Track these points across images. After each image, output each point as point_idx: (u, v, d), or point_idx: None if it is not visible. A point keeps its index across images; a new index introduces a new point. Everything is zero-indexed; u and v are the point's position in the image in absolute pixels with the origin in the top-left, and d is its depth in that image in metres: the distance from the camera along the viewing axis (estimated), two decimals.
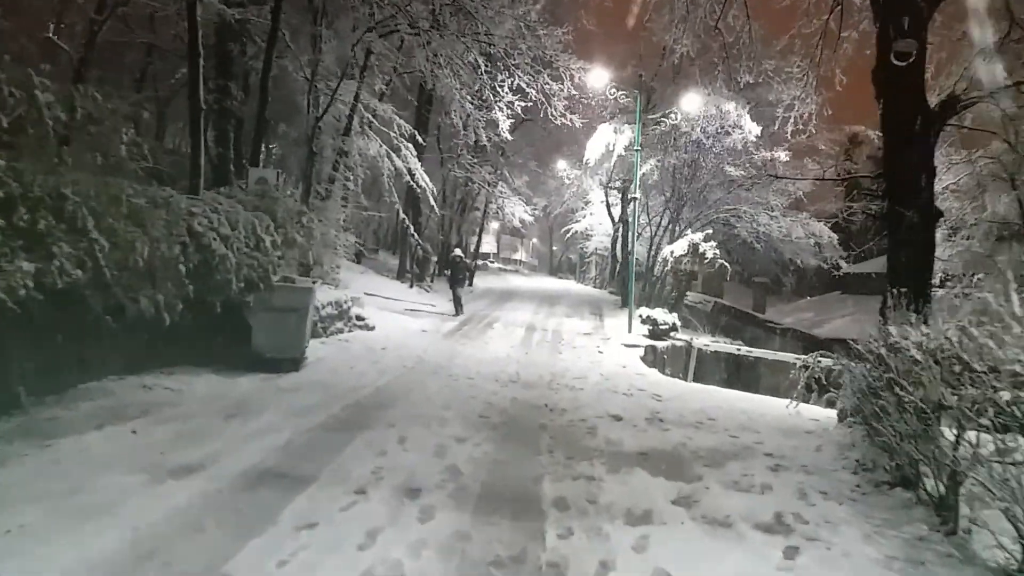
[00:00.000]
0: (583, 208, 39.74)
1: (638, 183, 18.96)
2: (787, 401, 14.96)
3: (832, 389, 11.93)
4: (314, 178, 16.16)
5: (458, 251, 19.42)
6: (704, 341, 20.62)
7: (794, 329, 32.64)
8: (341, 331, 15.24)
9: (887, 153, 9.02)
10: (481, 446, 7.23)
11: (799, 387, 12.47)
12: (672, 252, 19.56)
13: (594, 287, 40.17)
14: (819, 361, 12.58)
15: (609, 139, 20.90)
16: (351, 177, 17.49)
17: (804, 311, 42.57)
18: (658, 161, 21.72)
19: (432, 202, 19.55)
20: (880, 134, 9.69)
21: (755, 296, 33.35)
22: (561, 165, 37.78)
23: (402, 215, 19.26)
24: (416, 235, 24.41)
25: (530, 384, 11.64)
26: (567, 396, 10.73)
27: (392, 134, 18.57)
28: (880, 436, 7.85)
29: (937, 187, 13.56)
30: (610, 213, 35.49)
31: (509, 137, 19.48)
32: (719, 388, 15.68)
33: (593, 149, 21.00)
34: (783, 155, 21.83)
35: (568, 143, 32.56)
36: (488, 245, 69.09)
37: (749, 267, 30.51)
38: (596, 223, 38.92)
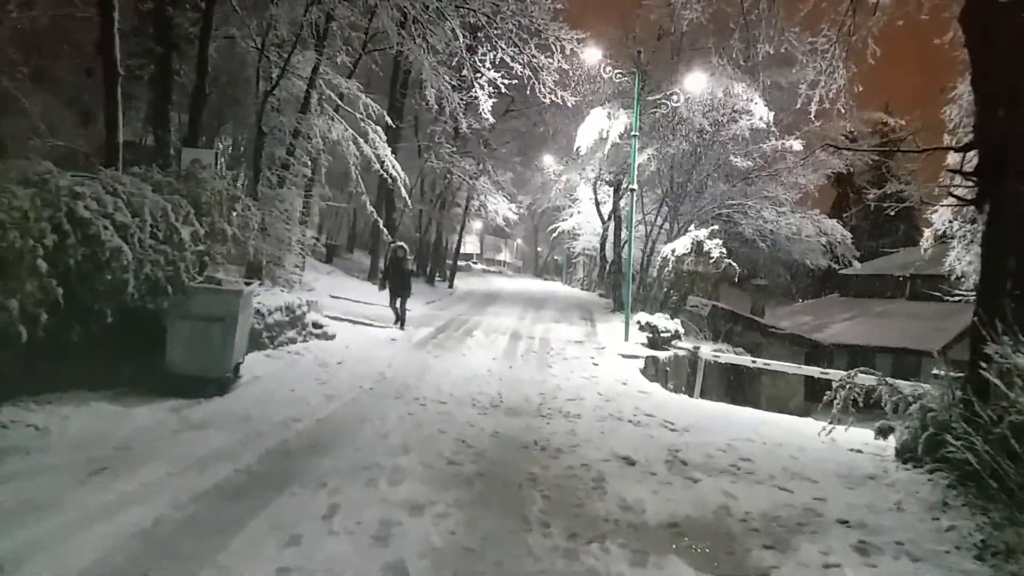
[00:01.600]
0: (570, 206, 37.63)
1: (635, 173, 16.83)
2: (810, 420, 13.00)
3: (883, 414, 10.00)
4: (264, 163, 13.91)
5: (401, 244, 16.39)
6: (709, 350, 18.60)
7: (796, 334, 30.71)
8: (293, 341, 13.00)
9: (983, 117, 6.92)
10: (445, 520, 5.05)
11: (836, 406, 10.53)
12: (673, 251, 17.49)
13: (582, 289, 38.06)
14: (855, 378, 10.62)
15: (602, 125, 18.80)
16: (310, 163, 15.25)
17: (801, 315, 40.75)
18: (656, 150, 19.64)
19: (405, 194, 17.29)
20: (971, 94, 7.60)
21: (754, 299, 31.41)
22: (547, 160, 35.68)
23: (370, 208, 17.00)
24: (389, 232, 22.18)
25: (515, 409, 9.46)
26: (562, 427, 8.56)
27: (358, 115, 16.34)
28: (993, 501, 5.83)
29: None
30: (599, 211, 33.41)
31: (491, 120, 17.32)
32: (732, 407, 13.60)
33: (585, 136, 18.91)
34: (796, 144, 19.80)
35: (556, 135, 30.47)
36: (471, 245, 66.94)
37: (750, 268, 28.50)
38: (584, 222, 36.83)
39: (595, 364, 14.45)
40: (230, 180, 10.17)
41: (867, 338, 33.24)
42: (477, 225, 60.18)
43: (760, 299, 31.89)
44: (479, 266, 61.11)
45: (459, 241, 33.11)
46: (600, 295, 31.23)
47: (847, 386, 10.58)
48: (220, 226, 9.48)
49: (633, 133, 16.56)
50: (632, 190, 16.72)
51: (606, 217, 32.63)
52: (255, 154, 13.78)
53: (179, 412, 7.64)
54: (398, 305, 16.33)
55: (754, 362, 13.97)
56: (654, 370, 15.40)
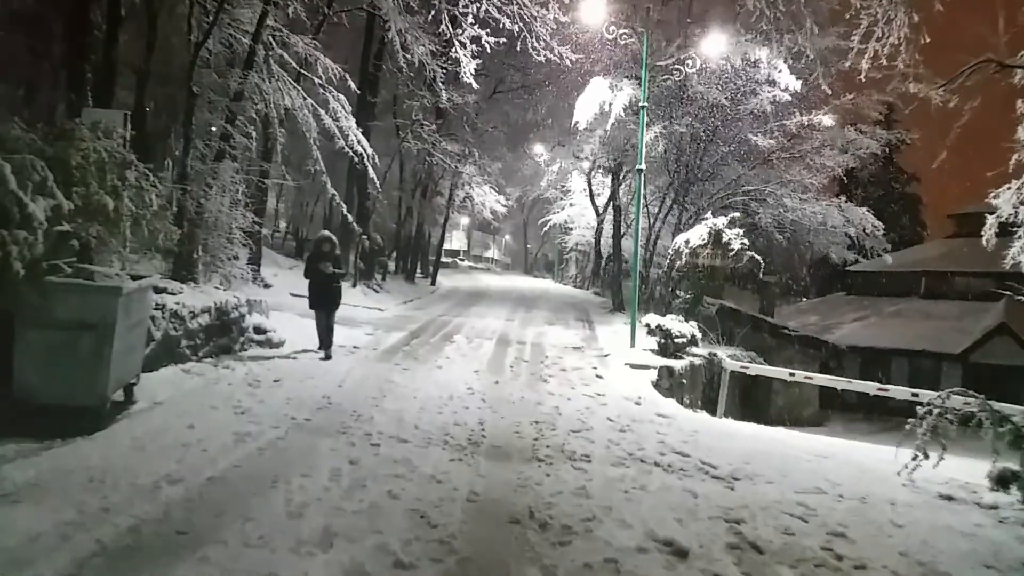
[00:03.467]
0: (562, 198, 35.22)
1: (643, 149, 14.34)
2: (874, 449, 10.65)
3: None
4: (196, 131, 11.34)
5: (327, 234, 11.55)
6: (727, 357, 16.25)
7: (808, 336, 28.39)
8: (227, 350, 10.49)
9: None
10: None
11: (922, 437, 8.01)
12: (687, 242, 15.04)
13: (575, 287, 35.59)
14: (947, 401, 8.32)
15: (604, 97, 16.32)
16: (254, 135, 12.69)
17: (806, 314, 38.46)
18: (664, 128, 17.17)
19: (372, 173, 14.70)
20: None
21: (763, 297, 29.00)
22: (538, 150, 33.20)
23: (331, 191, 14.42)
24: (360, 223, 19.67)
25: (502, 449, 6.99)
26: (567, 480, 6.10)
27: (317, 80, 13.78)
28: None
29: None
30: (594, 202, 31.00)
31: (475, 85, 14.77)
32: (768, 431, 11.20)
33: (584, 109, 16.41)
34: (827, 119, 17.33)
35: (548, 121, 27.97)
36: (458, 241, 64.47)
37: (764, 263, 26.00)
38: (577, 214, 34.42)
39: (599, 377, 11.96)
40: (118, 139, 7.60)
41: (881, 340, 31.00)
42: (464, 221, 57.74)
43: (769, 298, 29.51)
44: (466, 263, 58.62)
45: (442, 234, 30.55)
46: (595, 293, 28.79)
47: (936, 411, 8.19)
48: (100, 200, 6.91)
49: (641, 103, 14.07)
50: (640, 170, 14.23)
51: (601, 209, 30.24)
52: (184, 120, 11.21)
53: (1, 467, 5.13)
54: (325, 323, 11.30)
55: (792, 375, 11.57)
56: (668, 383, 12.93)
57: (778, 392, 21.74)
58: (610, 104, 16.50)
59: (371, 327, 14.71)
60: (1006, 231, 34.41)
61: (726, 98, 17.22)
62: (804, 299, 46.63)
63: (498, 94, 26.14)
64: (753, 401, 19.36)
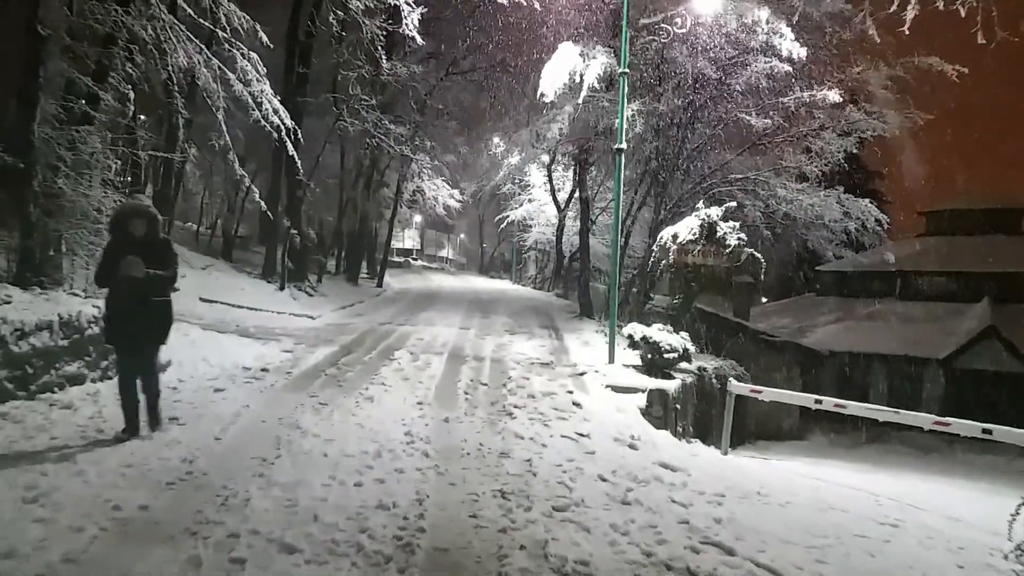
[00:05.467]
0: (521, 193, 32.70)
1: (624, 124, 11.84)
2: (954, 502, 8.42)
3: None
4: (45, 86, 8.46)
5: (135, 201, 6.56)
6: (713, 368, 14.00)
7: (788, 341, 26.31)
8: (79, 380, 7.67)
9: None
10: None
11: None
12: (675, 236, 12.62)
13: (535, 288, 33.06)
14: None
15: (574, 65, 13.79)
16: (132, 96, 9.83)
17: (777, 316, 36.54)
18: (643, 105, 14.70)
19: (293, 152, 11.86)
20: None
21: (737, 299, 26.78)
22: (495, 141, 30.58)
23: (240, 171, 11.55)
24: (291, 218, 16.85)
25: (450, 563, 4.40)
26: None
27: (222, 34, 10.97)
28: None
29: None
30: (555, 198, 28.55)
31: (418, 39, 12.06)
32: (807, 475, 8.84)
33: (551, 78, 13.75)
34: (832, 94, 15.04)
35: (505, 109, 25.27)
36: (410, 241, 61.59)
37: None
38: (536, 210, 31.95)
39: (577, 405, 9.41)
40: None
41: (860, 343, 29.10)
42: (417, 219, 54.85)
43: (743, 300, 27.39)
44: (419, 262, 55.80)
45: (390, 230, 27.72)
46: (558, 295, 26.29)
47: None
48: None
49: (622, 70, 11.57)
50: (619, 150, 11.73)
51: (563, 204, 27.81)
52: (25, 72, 8.33)
53: None
54: (140, 375, 6.30)
55: (818, 402, 9.21)
56: (660, 409, 10.44)
57: (755, 403, 19.62)
58: (581, 75, 13.98)
59: (293, 340, 11.92)
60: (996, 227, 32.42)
61: (715, 71, 14.83)
62: (766, 299, 44.75)
63: (452, 77, 23.40)
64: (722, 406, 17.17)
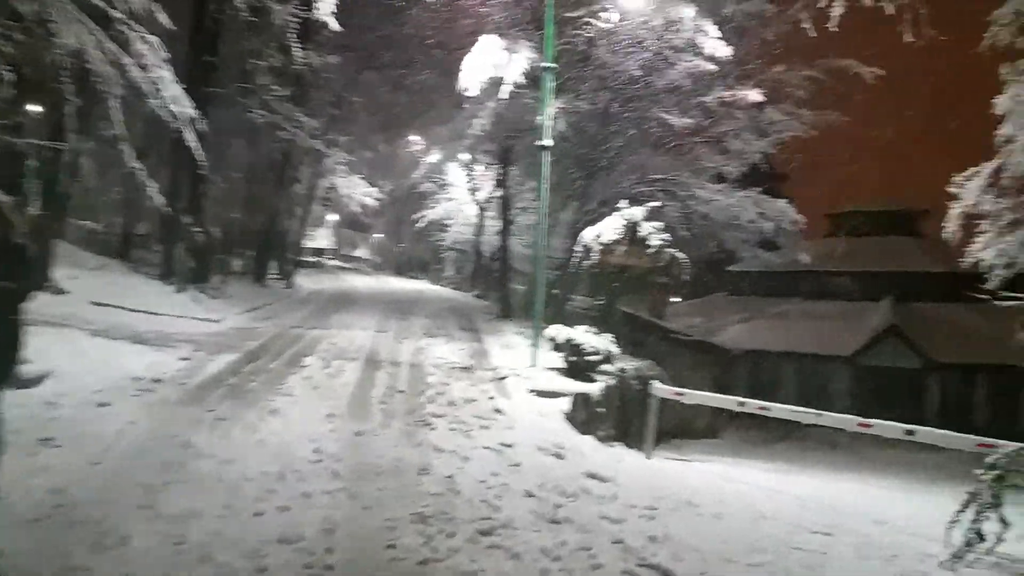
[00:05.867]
0: (439, 192, 32.06)
1: (549, 122, 11.51)
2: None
3: None
4: None
5: None
6: (632, 369, 13.80)
7: (705, 341, 26.61)
8: None
9: None
10: None
11: (979, 498, 5.87)
12: (598, 236, 12.36)
13: (453, 289, 32.47)
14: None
15: (497, 59, 13.35)
16: (11, 79, 8.82)
17: (689, 315, 37.07)
18: (567, 103, 14.38)
19: (192, 141, 10.96)
20: None
21: (652, 299, 26.91)
22: (413, 139, 29.94)
23: (133, 164, 10.56)
24: (190, 210, 15.78)
25: None
26: None
27: (116, 14, 10.01)
28: None
29: None
30: (474, 197, 28.09)
31: (334, 26, 11.36)
32: (732, 478, 8.64)
33: (473, 72, 13.26)
34: (754, 93, 15.11)
35: (425, 107, 24.59)
36: (324, 240, 59.83)
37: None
38: (455, 209, 31.35)
39: (499, 412, 8.99)
40: None
41: (769, 342, 29.74)
42: (332, 217, 53.38)
43: (662, 299, 27.57)
44: (333, 262, 54.25)
45: (302, 229, 26.65)
46: (477, 296, 25.83)
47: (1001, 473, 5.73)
48: None
49: (545, 64, 11.21)
50: (544, 148, 11.38)
51: (483, 203, 27.39)
52: None
53: None
54: None
55: (741, 404, 9.09)
56: (584, 414, 10.13)
57: (671, 402, 19.69)
58: (505, 69, 13.55)
59: (191, 347, 11.02)
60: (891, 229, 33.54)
61: (639, 69, 14.66)
62: (678, 299, 45.41)
63: (369, 71, 22.53)
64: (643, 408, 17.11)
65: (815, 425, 13.02)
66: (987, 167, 10.45)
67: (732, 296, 37.83)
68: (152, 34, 10.89)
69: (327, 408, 8.23)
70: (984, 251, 11.19)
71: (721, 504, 6.94)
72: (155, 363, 9.57)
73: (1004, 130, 10.14)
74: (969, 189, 10.83)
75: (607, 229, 12.45)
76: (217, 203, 20.38)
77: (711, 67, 14.23)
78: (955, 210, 11.01)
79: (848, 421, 8.17)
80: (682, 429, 21.23)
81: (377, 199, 31.55)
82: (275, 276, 25.77)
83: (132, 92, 11.16)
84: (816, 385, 27.95)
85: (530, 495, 6.11)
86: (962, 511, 5.76)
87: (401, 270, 49.16)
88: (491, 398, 9.64)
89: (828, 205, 35.95)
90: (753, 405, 9.08)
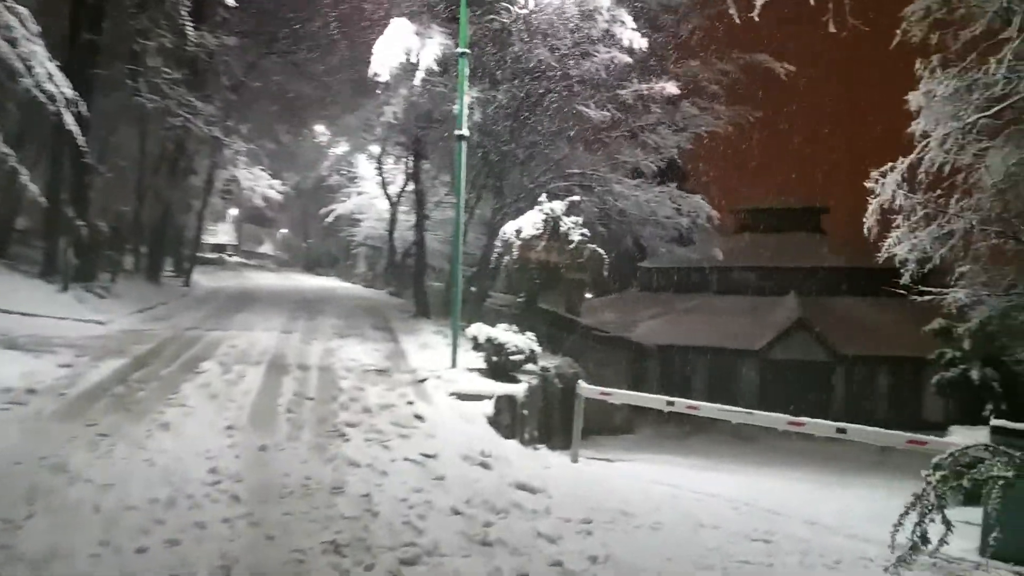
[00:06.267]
0: (348, 185, 30.97)
1: (464, 109, 10.95)
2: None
3: None
4: None
5: None
6: (554, 367, 13.56)
7: (621, 337, 26.73)
8: None
9: None
10: None
11: (924, 500, 5.56)
12: (518, 231, 11.88)
13: (365, 286, 31.40)
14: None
15: (409, 44, 12.65)
16: None
17: (603, 312, 37.29)
18: (482, 93, 13.79)
19: (72, 126, 9.85)
20: None
21: (568, 295, 26.76)
22: (319, 129, 28.71)
23: (2, 150, 9.35)
24: (75, 203, 14.41)
25: None
26: None
27: None
28: None
29: None
30: (386, 191, 27.17)
31: (231, 2, 10.44)
32: (667, 482, 8.29)
33: (385, 57, 12.53)
34: (670, 86, 14.92)
35: (332, 95, 23.49)
36: (225, 235, 57.34)
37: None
38: (366, 204, 30.34)
39: (419, 418, 8.38)
40: None
41: (680, 337, 30.17)
42: (234, 212, 51.11)
43: (576, 296, 27.45)
44: (235, 259, 52.06)
45: (200, 224, 25.11)
46: (391, 294, 24.98)
47: (946, 474, 5.53)
48: None
49: (462, 48, 10.65)
50: (461, 137, 10.81)
51: (395, 197, 26.52)
52: None
53: None
54: None
55: (671, 404, 8.76)
56: (509, 416, 9.64)
57: (588, 399, 19.55)
58: (417, 54, 12.89)
59: (73, 352, 9.92)
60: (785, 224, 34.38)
61: (556, 59, 14.26)
62: (590, 295, 45.63)
63: (271, 56, 21.28)
64: (567, 416, 16.87)
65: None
66: (903, 162, 10.49)
67: (644, 292, 38.32)
68: (20, 5, 9.78)
69: (226, 420, 7.43)
70: (898, 246, 11.32)
71: (656, 512, 6.57)
72: (30, 371, 8.49)
73: (919, 125, 10.21)
74: (886, 184, 10.88)
75: (527, 224, 11.99)
76: (104, 195, 18.84)
77: (627, 59, 13.97)
78: (873, 205, 11.05)
79: (778, 420, 7.96)
80: (600, 425, 21.18)
81: (281, 192, 30.16)
82: (171, 274, 24.24)
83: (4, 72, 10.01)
84: (728, 379, 28.54)
85: (457, 513, 5.57)
86: (906, 513, 5.55)
87: (309, 267, 47.53)
88: (410, 403, 9.00)
89: (737, 202, 36.60)
90: (682, 404, 8.79)
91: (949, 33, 9.71)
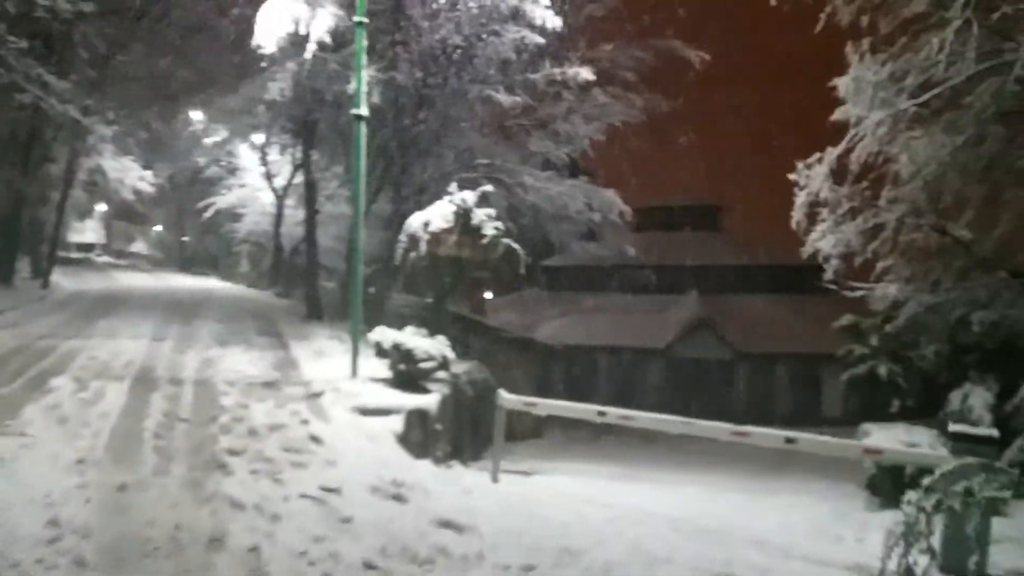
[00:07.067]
0: (229, 177, 28.80)
1: (362, 85, 9.75)
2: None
3: None
4: None
5: None
6: (463, 374, 12.58)
7: (528, 338, 26.08)
8: None
9: None
10: None
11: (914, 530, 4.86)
12: (426, 224, 10.74)
13: (249, 287, 29.24)
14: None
15: (297, 13, 11.24)
16: None
17: (505, 312, 36.57)
18: (380, 71, 12.50)
19: None
20: None
21: (472, 296, 25.91)
22: (196, 114, 26.39)
23: None
24: None
25: None
26: None
27: None
28: None
29: None
30: (271, 183, 25.36)
31: None
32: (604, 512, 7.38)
33: (270, 27, 11.09)
34: (585, 72, 14.03)
35: (207, 78, 21.48)
36: (93, 233, 53.01)
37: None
38: (249, 197, 28.26)
39: (316, 440, 7.16)
40: None
41: (585, 337, 29.84)
42: (101, 207, 47.15)
43: (480, 296, 26.59)
44: (104, 258, 48.18)
45: (59, 219, 22.42)
46: (278, 295, 23.19)
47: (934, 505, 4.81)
48: None
49: (358, 18, 9.43)
50: (359, 117, 9.59)
51: (282, 190, 24.79)
52: None
53: None
54: None
55: (602, 414, 7.87)
56: (421, 433, 8.52)
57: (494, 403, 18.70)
58: (308, 25, 11.53)
59: None
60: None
61: (461, 38, 13.15)
62: (490, 295, 44.81)
63: (138, 28, 19.02)
64: (484, 427, 15.94)
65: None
66: (832, 152, 10.09)
67: (546, 291, 37.76)
68: None
69: (77, 451, 6.01)
70: (822, 240, 10.95)
71: (602, 546, 5.66)
72: None
73: (850, 112, 9.81)
74: (813, 177, 10.46)
75: (436, 216, 10.88)
76: None
77: (539, 39, 13.09)
78: (801, 198, 10.62)
79: (721, 430, 7.21)
80: (507, 430, 20.35)
81: (154, 185, 27.57)
82: (30, 276, 21.63)
83: None
84: (633, 378, 28.38)
85: (371, 567, 4.47)
86: (893, 547, 4.83)
87: (187, 267, 44.36)
88: (305, 422, 7.74)
89: (642, 198, 36.52)
90: (615, 414, 7.93)
91: (881, 15, 9.36)
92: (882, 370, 15.04)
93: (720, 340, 26.97)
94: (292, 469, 6.20)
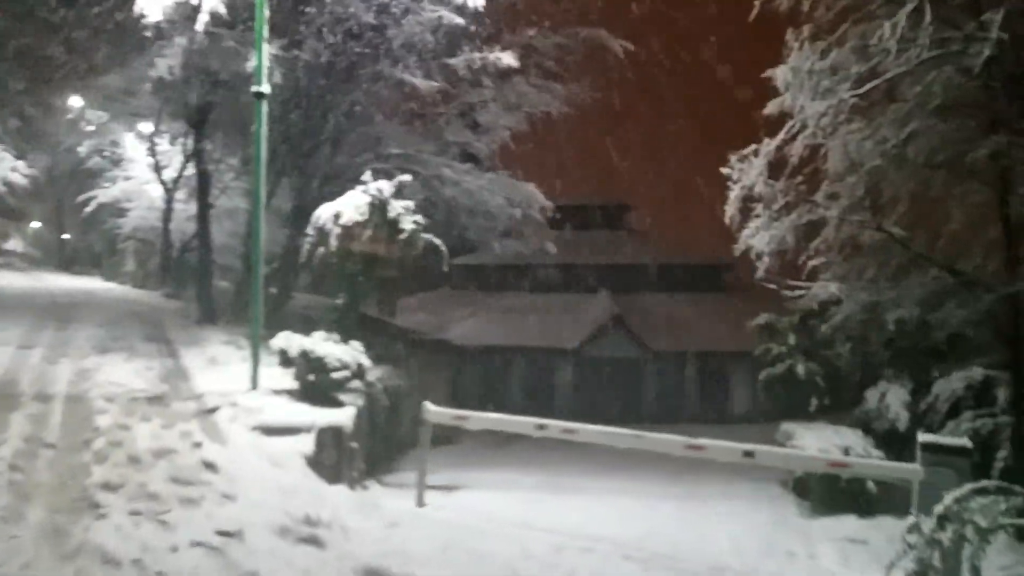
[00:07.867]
0: (113, 169, 26.57)
1: (265, 62, 8.66)
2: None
3: None
4: None
5: None
6: (378, 380, 11.74)
7: (441, 340, 25.17)
8: None
9: None
10: None
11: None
12: (337, 217, 9.66)
13: (135, 287, 27.00)
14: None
15: None
16: None
17: (414, 312, 35.40)
18: (283, 50, 11.27)
19: None
20: None
21: (382, 296, 24.58)
22: (75, 102, 24.21)
23: None
24: None
25: None
26: None
27: None
28: None
29: None
30: (159, 175, 23.44)
31: None
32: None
33: None
34: (508, 57, 13.17)
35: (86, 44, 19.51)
36: None
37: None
38: (135, 191, 26.12)
39: (211, 468, 6.10)
40: None
41: (499, 337, 29.16)
42: None
43: (389, 296, 25.30)
44: None
45: None
46: (167, 296, 21.35)
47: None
48: None
49: None
50: (259, 95, 8.49)
51: (171, 183, 22.95)
52: None
53: None
54: None
55: (542, 427, 7.06)
56: (335, 453, 7.52)
57: (407, 409, 17.78)
58: None
59: None
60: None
61: (372, 16, 12.08)
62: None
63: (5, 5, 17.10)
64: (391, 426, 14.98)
65: None
66: (768, 144, 9.65)
67: (456, 290, 36.85)
68: None
69: None
70: (755, 237, 10.55)
71: None
72: None
73: (789, 103, 9.40)
74: (749, 170, 10.01)
75: (349, 208, 9.84)
76: None
77: (458, 19, 12.21)
78: (735, 192, 10.16)
79: (675, 444, 6.58)
80: (442, 439, 19.45)
81: (28, 176, 25.22)
82: None
83: None
84: (545, 378, 27.90)
85: None
86: None
87: (67, 266, 41.05)
88: (197, 445, 6.64)
89: (554, 195, 36.03)
90: (555, 428, 7.18)
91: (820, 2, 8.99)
92: (800, 368, 14.96)
93: (631, 339, 26.82)
94: (182, 507, 5.16)
